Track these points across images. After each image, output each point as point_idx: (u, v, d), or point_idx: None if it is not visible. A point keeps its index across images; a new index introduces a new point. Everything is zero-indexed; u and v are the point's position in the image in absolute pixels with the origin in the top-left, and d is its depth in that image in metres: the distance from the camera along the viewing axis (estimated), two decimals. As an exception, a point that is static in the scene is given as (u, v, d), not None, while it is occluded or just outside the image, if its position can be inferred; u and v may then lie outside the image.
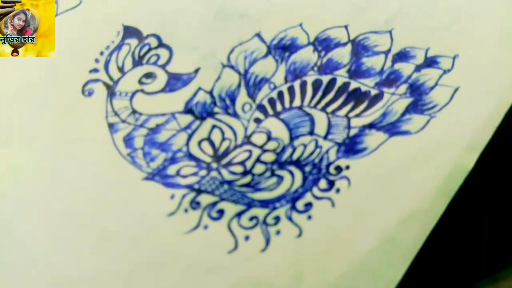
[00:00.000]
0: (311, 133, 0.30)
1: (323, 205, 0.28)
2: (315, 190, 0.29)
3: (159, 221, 0.29)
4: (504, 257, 0.30)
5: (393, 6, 0.32)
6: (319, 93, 0.31)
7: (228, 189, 0.29)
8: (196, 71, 0.32)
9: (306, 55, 0.32)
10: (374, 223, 0.28)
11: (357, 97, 0.31)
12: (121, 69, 0.32)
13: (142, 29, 0.33)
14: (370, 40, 0.32)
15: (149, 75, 0.32)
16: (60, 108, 0.31)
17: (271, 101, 0.31)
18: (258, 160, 0.30)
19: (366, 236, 0.28)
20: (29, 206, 0.29)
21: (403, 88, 0.31)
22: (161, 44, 0.32)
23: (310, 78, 0.31)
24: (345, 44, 0.32)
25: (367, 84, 0.31)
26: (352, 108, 0.30)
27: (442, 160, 0.29)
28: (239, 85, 0.31)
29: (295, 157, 0.30)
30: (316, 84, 0.31)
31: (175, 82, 0.32)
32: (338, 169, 0.29)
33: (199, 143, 0.30)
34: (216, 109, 0.31)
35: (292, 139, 0.30)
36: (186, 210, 0.29)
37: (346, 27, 0.32)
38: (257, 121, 0.31)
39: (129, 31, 0.33)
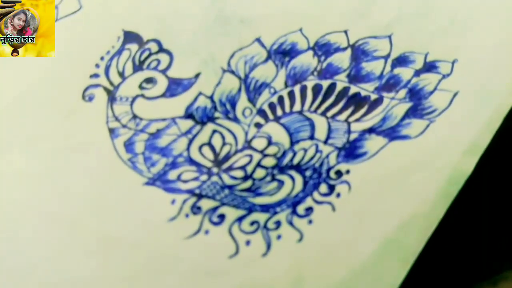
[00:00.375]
0: (312, 137, 0.30)
1: (324, 210, 0.28)
2: (316, 195, 0.29)
3: (160, 226, 0.28)
4: (504, 260, 0.30)
5: (392, 11, 0.32)
6: (319, 98, 0.31)
7: (229, 194, 0.29)
8: (197, 76, 0.32)
9: (306, 60, 0.32)
10: (374, 227, 0.28)
11: (357, 101, 0.31)
12: (121, 74, 0.32)
13: (142, 34, 0.33)
14: (370, 45, 0.32)
15: (149, 80, 0.32)
16: (60, 113, 0.31)
17: (272, 106, 0.31)
18: (258, 164, 0.30)
19: (366, 240, 0.27)
20: (29, 211, 0.29)
21: (402, 92, 0.31)
22: (161, 49, 0.32)
23: (310, 83, 0.31)
24: (344, 49, 0.32)
25: (366, 89, 0.31)
26: (352, 113, 0.30)
27: (441, 164, 0.28)
28: (239, 90, 0.31)
29: (295, 161, 0.30)
30: (316, 89, 0.31)
31: (175, 87, 0.31)
32: (339, 173, 0.29)
33: (200, 148, 0.30)
34: (216, 114, 0.31)
35: (292, 143, 0.30)
36: (187, 215, 0.29)
37: (345, 32, 0.32)
38: (258, 125, 0.30)
39: (130, 36, 0.33)
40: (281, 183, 0.29)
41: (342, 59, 0.31)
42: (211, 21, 0.33)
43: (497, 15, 0.32)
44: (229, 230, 0.28)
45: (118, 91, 0.32)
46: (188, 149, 0.30)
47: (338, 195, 0.29)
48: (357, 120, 0.30)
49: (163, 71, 0.32)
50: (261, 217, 0.28)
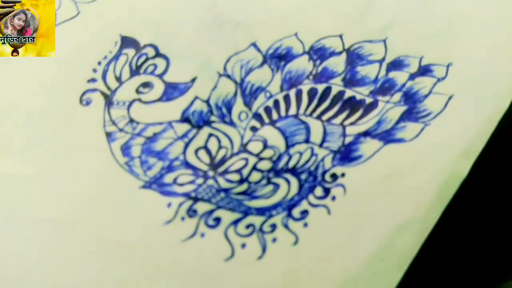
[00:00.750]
0: (307, 141, 0.30)
1: (319, 213, 0.28)
2: (311, 198, 0.28)
3: (156, 229, 0.28)
4: (501, 264, 0.30)
5: (387, 16, 0.32)
6: (315, 102, 0.31)
7: (224, 197, 0.29)
8: (193, 80, 0.31)
9: (302, 64, 0.31)
10: (370, 230, 0.27)
11: (352, 105, 0.30)
12: (118, 79, 0.32)
13: (139, 39, 0.32)
14: (365, 49, 0.31)
15: (146, 85, 0.31)
16: (57, 117, 0.31)
17: (267, 110, 0.31)
18: (254, 168, 0.29)
19: (362, 243, 0.27)
20: (25, 215, 0.29)
21: (397, 96, 0.30)
22: (158, 54, 0.32)
23: (305, 87, 0.31)
24: (340, 53, 0.31)
25: (362, 93, 0.31)
26: (347, 116, 0.30)
27: (437, 167, 0.28)
28: (235, 94, 0.31)
29: (291, 165, 0.29)
30: (312, 93, 0.31)
31: (172, 91, 0.31)
32: (334, 176, 0.29)
33: (196, 151, 0.30)
34: (212, 118, 0.30)
35: (288, 147, 0.30)
36: (183, 218, 0.28)
37: (341, 36, 0.32)
38: (253, 129, 0.30)
39: (127, 41, 0.32)
40: (276, 186, 0.29)
41: (337, 63, 0.31)
42: (207, 26, 0.32)
43: (491, 19, 0.32)
44: (225, 233, 0.28)
45: (115, 95, 0.31)
46: (184, 152, 0.30)
47: (334, 198, 0.28)
48: (352, 123, 0.30)
49: (160, 76, 0.32)
50: (256, 220, 0.28)
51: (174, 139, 0.30)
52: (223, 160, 0.29)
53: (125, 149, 0.30)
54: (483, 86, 0.30)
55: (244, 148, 0.30)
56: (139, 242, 0.28)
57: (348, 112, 0.30)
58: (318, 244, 0.27)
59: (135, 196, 0.29)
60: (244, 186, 0.29)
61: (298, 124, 0.30)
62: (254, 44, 0.32)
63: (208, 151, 0.30)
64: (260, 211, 0.28)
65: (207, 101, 0.31)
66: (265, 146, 0.30)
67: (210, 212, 0.28)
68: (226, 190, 0.29)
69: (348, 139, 0.29)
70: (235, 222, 0.28)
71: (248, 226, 0.28)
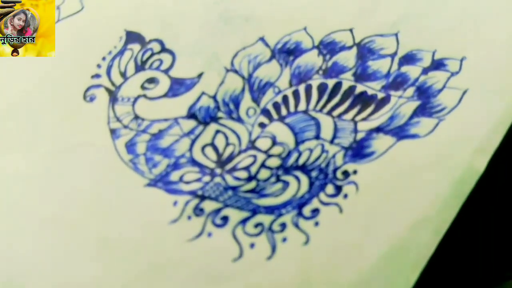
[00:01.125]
0: (317, 137, 0.29)
1: (331, 211, 0.27)
2: (322, 196, 0.27)
3: (162, 229, 0.27)
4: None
5: (398, 9, 0.31)
6: (325, 97, 0.30)
7: (232, 195, 0.28)
8: (200, 75, 0.30)
9: (311, 59, 0.30)
10: (383, 229, 0.26)
11: (363, 100, 0.29)
12: (123, 75, 0.31)
13: (144, 34, 0.32)
14: (376, 43, 0.31)
15: (151, 80, 0.31)
16: (61, 114, 0.30)
17: (276, 106, 0.30)
18: (263, 165, 0.28)
19: (375, 243, 0.26)
20: (28, 213, 0.28)
21: (410, 91, 0.29)
22: (164, 49, 0.31)
23: (315, 82, 0.30)
24: (350, 47, 0.31)
25: (373, 88, 0.30)
26: (359, 112, 0.29)
27: (452, 163, 0.27)
28: (243, 90, 0.30)
29: (301, 162, 0.28)
30: (322, 88, 0.30)
31: (178, 87, 0.30)
32: (346, 174, 0.28)
33: (203, 148, 0.29)
34: (219, 114, 0.30)
35: (297, 143, 0.29)
36: (189, 217, 0.27)
37: (351, 30, 0.31)
38: (262, 125, 0.29)
39: (132, 36, 0.32)
40: (286, 184, 0.28)
41: (348, 58, 0.30)
42: (214, 20, 0.32)
43: (505, 11, 0.31)
44: (233, 233, 0.27)
45: (119, 91, 0.31)
46: (190, 149, 0.29)
47: (346, 196, 0.27)
48: (364, 119, 0.29)
49: (166, 71, 0.31)
50: (265, 219, 0.27)
51: (180, 136, 0.29)
52: (230, 157, 0.29)
53: (130, 146, 0.29)
54: (498, 80, 0.29)
55: (252, 144, 0.29)
56: (143, 241, 0.27)
57: (359, 107, 0.29)
58: (329, 244, 0.26)
59: (140, 194, 0.28)
60: (252, 184, 0.28)
61: (308, 120, 0.29)
62: (262, 39, 0.31)
63: (215, 148, 0.29)
64: (269, 210, 0.27)
65: (214, 97, 0.30)
66: (274, 142, 0.29)
67: (218, 210, 0.27)
68: (234, 188, 0.28)
69: (360, 135, 0.28)
70: (244, 221, 0.27)
71: (257, 225, 0.27)
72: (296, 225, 0.27)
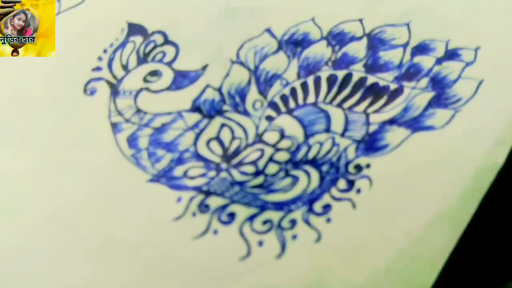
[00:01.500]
0: (327, 130, 0.28)
1: (343, 207, 0.26)
2: (334, 191, 0.26)
3: (165, 226, 0.26)
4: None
5: (409, -2, 0.30)
6: (335, 89, 0.28)
7: (239, 191, 0.27)
8: (204, 68, 0.29)
9: (320, 50, 0.29)
10: (399, 225, 0.25)
11: (375, 92, 0.28)
12: (125, 67, 0.30)
13: (147, 26, 0.31)
14: (387, 33, 0.29)
15: (154, 73, 0.30)
16: (61, 108, 0.29)
17: (284, 98, 0.29)
18: (271, 159, 0.27)
19: (391, 240, 0.25)
20: (27, 210, 0.27)
21: (424, 81, 0.28)
22: (167, 41, 0.30)
23: (324, 74, 0.29)
24: (360, 38, 0.29)
25: (385, 79, 0.28)
26: (371, 104, 0.28)
27: (470, 155, 0.26)
28: (249, 82, 0.29)
29: (310, 156, 0.27)
30: (331, 80, 0.29)
31: (181, 79, 0.29)
32: (358, 168, 0.27)
33: (208, 142, 0.28)
34: (225, 107, 0.28)
35: (307, 137, 0.28)
36: (194, 214, 0.26)
37: (361, 20, 0.30)
38: (269, 118, 0.28)
39: (134, 28, 0.31)
40: (295, 179, 0.27)
41: (358, 49, 0.29)
42: (218, 11, 0.31)
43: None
44: (240, 230, 0.26)
45: (121, 84, 0.30)
46: (195, 144, 0.28)
47: (358, 191, 0.26)
48: (376, 111, 0.28)
49: (169, 64, 0.30)
50: (274, 215, 0.26)
51: (184, 130, 0.28)
52: (237, 152, 0.27)
53: (132, 140, 0.28)
54: None
55: (259, 138, 0.28)
56: (146, 239, 0.26)
57: (371, 99, 0.28)
58: (342, 241, 0.25)
59: (142, 190, 0.27)
60: (260, 179, 0.27)
61: (317, 112, 0.28)
62: (268, 30, 0.30)
63: (221, 142, 0.28)
64: (278, 206, 0.26)
65: (219, 90, 0.29)
66: (282, 136, 0.28)
67: (224, 207, 0.26)
68: (240, 183, 0.27)
69: (372, 128, 0.27)
70: (251, 218, 0.26)
71: (265, 222, 0.26)
72: (307, 222, 0.26)
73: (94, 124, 0.29)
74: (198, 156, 0.27)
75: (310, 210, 0.26)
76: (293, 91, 0.29)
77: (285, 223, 0.26)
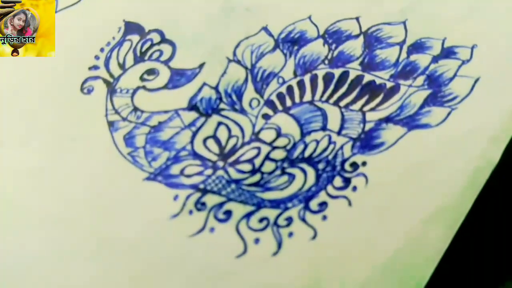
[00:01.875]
0: (324, 128, 0.27)
1: (339, 205, 0.26)
2: (330, 189, 0.26)
3: (162, 224, 0.26)
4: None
5: (405, -4, 0.30)
6: (331, 87, 0.28)
7: (235, 189, 0.27)
8: (201, 66, 0.29)
9: (316, 49, 0.29)
10: (395, 222, 0.25)
11: (371, 90, 0.28)
12: (122, 66, 0.30)
13: (144, 25, 0.31)
14: (383, 31, 0.29)
15: (151, 72, 0.30)
16: (58, 106, 0.29)
17: (280, 96, 0.28)
18: (267, 157, 0.27)
19: (387, 237, 0.25)
20: (24, 209, 0.27)
21: (420, 79, 0.28)
22: (164, 40, 0.30)
23: (321, 72, 0.29)
24: (357, 36, 0.29)
25: (382, 77, 0.28)
26: (367, 102, 0.28)
27: (466, 153, 0.26)
28: (246, 80, 0.29)
29: (307, 154, 0.27)
30: (328, 78, 0.29)
31: (178, 78, 0.29)
32: (354, 165, 0.26)
33: (204, 141, 0.28)
34: (222, 105, 0.28)
35: (303, 135, 0.27)
36: (190, 212, 0.26)
37: (357, 18, 0.30)
38: (266, 117, 0.28)
39: (131, 27, 0.31)
40: (292, 176, 0.27)
41: (355, 47, 0.29)
42: (215, 10, 0.30)
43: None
44: (236, 228, 0.26)
45: (118, 83, 0.29)
46: (191, 142, 0.28)
47: (354, 188, 0.26)
48: (373, 109, 0.28)
49: (166, 62, 0.30)
50: (271, 213, 0.26)
51: (181, 128, 0.28)
52: (233, 150, 0.27)
53: (129, 139, 0.28)
54: (510, 67, 0.28)
55: (256, 136, 0.28)
56: (143, 237, 0.26)
57: (367, 97, 0.28)
58: (338, 239, 0.25)
59: (139, 188, 0.27)
60: (256, 177, 0.27)
61: (314, 110, 0.28)
62: (265, 28, 0.30)
63: (218, 140, 0.28)
64: (275, 204, 0.26)
65: (215, 88, 0.29)
66: (279, 134, 0.28)
67: (220, 205, 0.26)
68: (237, 181, 0.27)
69: (368, 126, 0.27)
70: (248, 216, 0.26)
71: (261, 220, 0.26)
72: (303, 220, 0.26)
73: (91, 123, 0.28)
74: (195, 154, 0.27)
75: (306, 207, 0.26)
76: (290, 89, 0.28)
77: (281, 220, 0.26)
